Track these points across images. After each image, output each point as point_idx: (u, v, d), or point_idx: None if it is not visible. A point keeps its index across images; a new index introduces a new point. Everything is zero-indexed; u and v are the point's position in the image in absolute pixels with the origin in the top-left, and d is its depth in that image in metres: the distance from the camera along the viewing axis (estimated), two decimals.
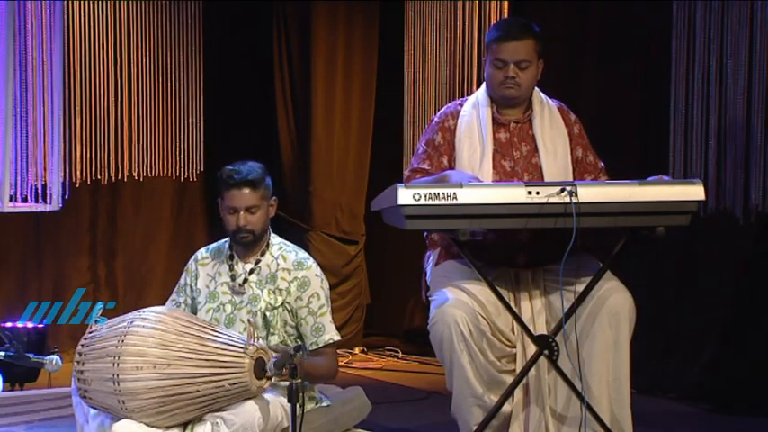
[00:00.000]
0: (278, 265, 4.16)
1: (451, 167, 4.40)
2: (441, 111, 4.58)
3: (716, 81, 5.68)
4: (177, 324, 3.80)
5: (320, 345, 4.13)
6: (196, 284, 4.24)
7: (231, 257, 4.21)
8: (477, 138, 4.40)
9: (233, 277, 4.18)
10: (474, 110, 4.45)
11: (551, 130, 4.45)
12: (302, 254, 4.21)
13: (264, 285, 4.14)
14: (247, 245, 4.17)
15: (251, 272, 4.17)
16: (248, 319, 4.06)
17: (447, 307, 4.17)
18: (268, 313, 4.11)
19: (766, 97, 5.52)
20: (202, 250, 4.31)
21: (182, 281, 4.28)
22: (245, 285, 4.15)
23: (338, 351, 4.34)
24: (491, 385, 4.22)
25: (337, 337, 4.17)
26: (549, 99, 4.52)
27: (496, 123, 4.44)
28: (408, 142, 7.15)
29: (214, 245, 4.30)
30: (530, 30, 4.37)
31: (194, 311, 4.21)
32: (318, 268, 4.19)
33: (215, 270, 4.23)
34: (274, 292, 4.13)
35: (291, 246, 4.25)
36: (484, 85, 4.50)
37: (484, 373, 4.20)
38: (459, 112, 4.48)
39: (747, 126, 5.57)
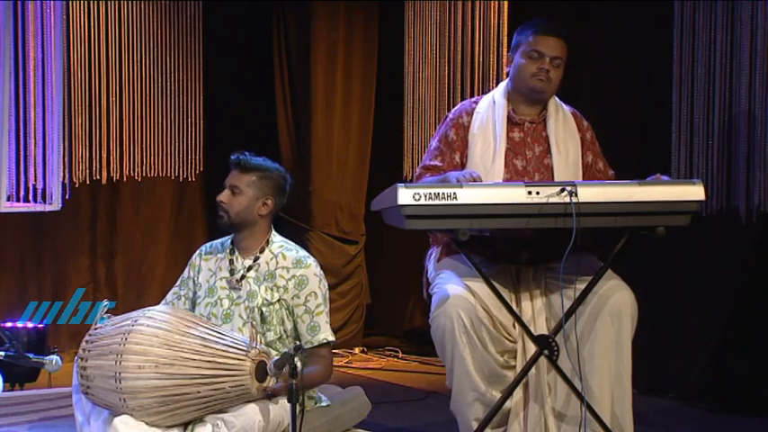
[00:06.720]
0: (277, 263, 4.16)
1: (464, 164, 4.42)
2: (455, 107, 4.62)
3: (718, 81, 5.68)
4: (181, 324, 3.80)
5: (315, 344, 4.12)
6: (198, 279, 4.25)
7: (232, 252, 4.22)
8: (490, 135, 4.43)
9: (232, 272, 4.19)
10: (489, 108, 4.48)
11: (564, 132, 4.47)
12: (302, 252, 4.21)
13: (262, 282, 4.14)
14: (224, 227, 4.20)
15: (249, 268, 4.17)
16: (251, 323, 4.06)
17: (449, 300, 4.18)
18: (264, 309, 4.11)
19: None
20: (207, 245, 4.34)
21: (185, 274, 4.30)
22: (243, 281, 4.16)
23: (338, 351, 4.33)
24: (492, 380, 4.22)
25: (332, 338, 4.16)
26: (563, 104, 4.55)
27: (511, 122, 4.46)
28: (408, 142, 7.13)
29: (218, 240, 4.32)
30: (564, 34, 4.46)
31: (194, 305, 4.22)
32: (318, 268, 4.19)
33: (216, 265, 4.24)
34: (272, 289, 4.13)
35: (292, 245, 4.25)
36: (502, 85, 4.52)
37: (485, 366, 4.20)
38: (474, 109, 4.51)
39: (749, 126, 5.57)
